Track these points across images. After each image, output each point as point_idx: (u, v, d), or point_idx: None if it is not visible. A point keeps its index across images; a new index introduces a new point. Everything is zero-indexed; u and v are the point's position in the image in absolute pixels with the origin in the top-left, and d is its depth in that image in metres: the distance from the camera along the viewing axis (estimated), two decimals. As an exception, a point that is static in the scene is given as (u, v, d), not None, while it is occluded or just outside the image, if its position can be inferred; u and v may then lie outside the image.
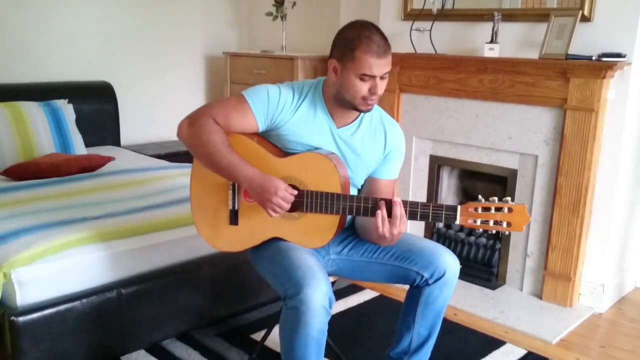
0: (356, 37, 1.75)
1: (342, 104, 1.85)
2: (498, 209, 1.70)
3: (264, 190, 1.76)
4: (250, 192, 1.81)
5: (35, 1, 3.73)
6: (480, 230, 1.73)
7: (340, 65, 1.79)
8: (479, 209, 1.71)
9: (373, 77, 1.76)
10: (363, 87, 1.77)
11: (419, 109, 3.37)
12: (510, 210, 1.69)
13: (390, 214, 1.74)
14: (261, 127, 1.88)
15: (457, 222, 1.72)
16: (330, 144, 1.91)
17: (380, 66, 1.75)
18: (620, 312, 2.96)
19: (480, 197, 1.73)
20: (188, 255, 2.45)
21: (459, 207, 1.72)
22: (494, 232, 1.73)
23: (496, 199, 1.71)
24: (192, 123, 1.85)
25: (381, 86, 1.79)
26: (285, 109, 1.87)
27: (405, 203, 1.75)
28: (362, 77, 1.76)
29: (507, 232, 1.73)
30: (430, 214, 1.74)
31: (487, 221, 1.70)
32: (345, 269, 2.02)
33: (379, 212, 1.74)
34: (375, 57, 1.73)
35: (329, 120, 1.90)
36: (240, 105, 1.85)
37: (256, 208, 1.86)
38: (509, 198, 1.71)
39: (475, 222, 1.71)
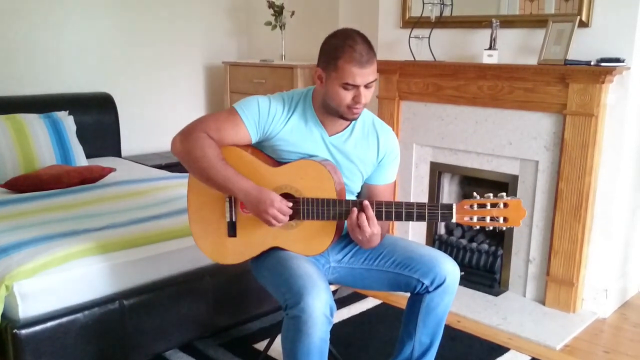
0: (339, 46, 1.75)
1: (329, 112, 1.86)
2: (494, 205, 1.70)
3: (260, 202, 1.77)
4: (246, 204, 1.81)
5: (35, 13, 3.75)
6: (478, 227, 1.73)
7: (325, 74, 1.80)
8: (475, 206, 1.71)
9: (356, 86, 1.76)
10: (347, 96, 1.77)
11: (419, 116, 3.37)
12: (505, 205, 1.70)
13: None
14: (254, 139, 1.89)
15: (454, 220, 1.73)
16: (324, 152, 1.91)
17: (363, 75, 1.75)
18: (623, 317, 2.95)
19: (475, 194, 1.74)
20: (190, 265, 2.45)
21: (454, 205, 1.73)
22: (491, 228, 1.73)
23: (491, 195, 1.71)
24: (185, 138, 1.85)
25: (366, 95, 1.79)
26: (277, 120, 1.87)
27: (400, 204, 1.77)
28: (345, 87, 1.76)
29: (504, 228, 1.73)
30: (427, 213, 1.75)
31: (484, 217, 1.71)
32: (345, 277, 2.02)
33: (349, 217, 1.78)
34: (357, 67, 1.73)
35: (320, 128, 1.90)
36: (232, 118, 1.86)
37: (254, 219, 1.86)
38: (504, 194, 1.72)
39: (471, 219, 1.72)
